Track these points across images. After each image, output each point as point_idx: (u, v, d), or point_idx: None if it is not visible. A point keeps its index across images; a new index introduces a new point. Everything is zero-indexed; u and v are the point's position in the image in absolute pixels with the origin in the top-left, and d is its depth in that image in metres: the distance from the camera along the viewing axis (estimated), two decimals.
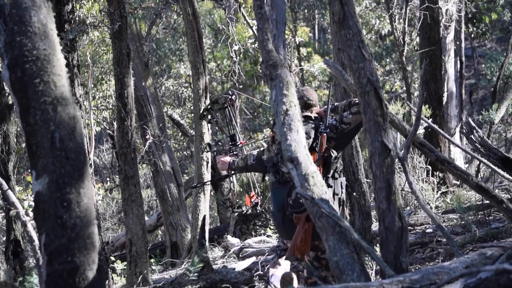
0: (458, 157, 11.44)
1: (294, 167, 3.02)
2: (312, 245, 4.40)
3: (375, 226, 6.50)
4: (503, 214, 4.20)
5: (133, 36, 11.63)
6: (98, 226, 6.27)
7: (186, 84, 18.34)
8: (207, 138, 7.86)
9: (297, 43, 16.17)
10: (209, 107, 5.33)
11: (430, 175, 8.65)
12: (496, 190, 7.52)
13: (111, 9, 6.92)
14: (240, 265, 7.19)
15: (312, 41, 23.83)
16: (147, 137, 10.68)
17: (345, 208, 4.98)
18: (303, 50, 18.58)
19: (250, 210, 5.05)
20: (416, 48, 13.40)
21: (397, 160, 3.10)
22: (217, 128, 5.63)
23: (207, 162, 8.04)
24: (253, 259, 7.56)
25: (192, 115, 13.97)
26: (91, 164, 8.14)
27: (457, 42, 13.39)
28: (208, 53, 18.67)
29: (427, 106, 9.69)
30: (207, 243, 7.08)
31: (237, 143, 5.03)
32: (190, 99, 17.87)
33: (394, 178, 3.00)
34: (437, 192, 8.56)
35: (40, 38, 2.43)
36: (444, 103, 10.90)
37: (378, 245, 3.19)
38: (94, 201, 2.53)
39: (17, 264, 7.94)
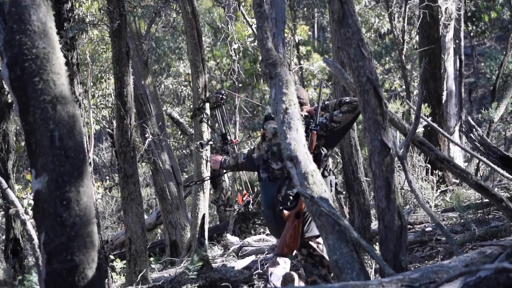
0: (457, 156, 11.44)
1: (294, 166, 3.02)
2: (304, 242, 4.43)
3: (374, 225, 6.51)
4: (503, 213, 4.21)
5: (133, 34, 11.63)
6: (98, 224, 6.27)
7: (186, 83, 18.32)
8: (207, 136, 7.85)
9: (297, 41, 16.16)
10: (200, 106, 5.35)
11: (430, 173, 8.65)
12: (496, 189, 7.52)
13: (111, 7, 6.91)
14: (239, 264, 7.19)
15: (312, 39, 23.82)
16: (146, 135, 10.67)
17: None
18: (303, 49, 18.55)
19: (242, 209, 5.08)
20: (415, 47, 13.40)
21: (396, 158, 3.10)
22: (208, 127, 5.65)
23: (207, 161, 8.04)
24: (253, 257, 7.56)
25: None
26: (90, 162, 8.15)
27: (457, 41, 13.40)
28: (208, 51, 18.66)
29: (426, 104, 9.69)
30: (206, 242, 7.08)
31: (229, 142, 5.06)
32: (190, 98, 17.86)
33: (393, 177, 3.00)
34: (437, 190, 8.57)
35: (40, 36, 2.42)
36: (443, 101, 10.89)
37: (377, 243, 3.19)
38: (94, 200, 2.54)
39: (16, 262, 7.94)
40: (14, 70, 2.41)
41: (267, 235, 9.17)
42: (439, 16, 10.97)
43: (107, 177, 18.39)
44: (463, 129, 6.44)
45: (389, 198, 2.97)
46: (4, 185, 5.48)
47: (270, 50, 3.39)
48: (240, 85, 14.57)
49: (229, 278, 5.72)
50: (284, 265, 4.74)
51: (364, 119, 3.09)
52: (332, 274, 4.42)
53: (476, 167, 10.42)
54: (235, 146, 5.17)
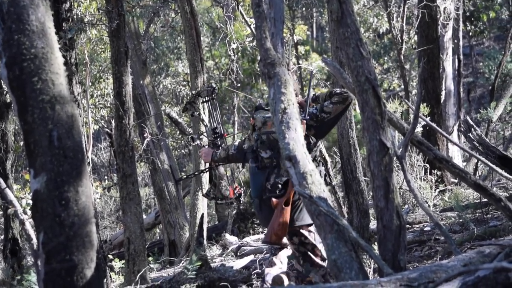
0: (456, 155, 11.45)
1: (292, 166, 3.02)
2: (295, 231, 4.44)
3: (373, 224, 6.51)
4: (501, 212, 4.21)
5: (131, 34, 11.63)
6: (96, 224, 6.27)
7: (184, 83, 18.30)
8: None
9: (295, 41, 16.16)
10: (192, 100, 5.37)
11: (428, 173, 8.65)
12: (494, 188, 7.52)
13: (109, 7, 6.91)
14: (238, 264, 7.19)
15: (310, 39, 23.82)
16: (145, 135, 10.67)
17: None
18: (301, 48, 18.54)
19: (234, 202, 5.10)
20: (414, 47, 13.38)
21: (395, 158, 3.11)
22: (200, 121, 5.66)
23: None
24: (251, 257, 7.56)
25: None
26: (89, 162, 8.13)
27: (455, 40, 13.40)
28: (206, 51, 18.64)
29: (425, 104, 9.69)
30: (205, 242, 7.08)
31: (219, 135, 5.09)
32: (188, 98, 17.83)
33: (392, 176, 3.00)
34: (435, 190, 8.57)
35: (38, 36, 2.42)
36: (442, 101, 10.89)
37: (376, 243, 3.20)
38: (92, 200, 2.54)
39: (15, 262, 7.93)
40: (12, 69, 2.41)
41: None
42: (438, 16, 10.98)
43: (106, 177, 18.38)
44: (462, 129, 6.45)
45: (387, 198, 2.97)
46: (3, 185, 5.49)
47: (268, 50, 3.39)
48: (239, 84, 14.55)
49: (228, 278, 5.72)
50: (280, 265, 4.75)
51: (362, 119, 3.09)
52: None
53: (474, 167, 10.42)
54: (225, 139, 5.20)
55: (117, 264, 8.32)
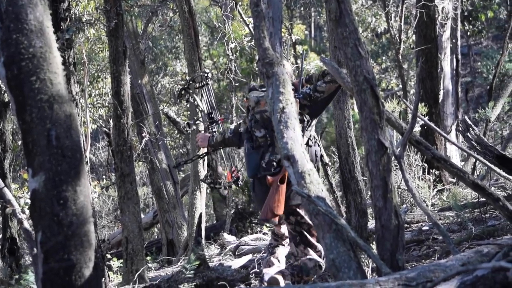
0: (454, 155, 11.45)
1: (291, 165, 3.03)
2: (291, 210, 4.45)
3: (371, 224, 6.51)
4: (499, 212, 4.22)
5: (129, 34, 11.62)
6: (94, 224, 6.26)
7: (182, 82, 18.30)
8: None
9: (293, 41, 16.17)
10: (186, 86, 5.39)
11: (426, 173, 8.65)
12: (492, 188, 7.54)
13: (107, 6, 6.90)
14: (236, 263, 7.19)
15: (309, 39, 23.81)
16: (143, 134, 10.65)
17: None
18: (299, 48, 18.54)
19: (233, 185, 5.12)
20: (412, 46, 13.39)
21: (393, 158, 3.11)
22: (196, 107, 5.67)
23: (203, 160, 8.04)
24: (250, 256, 7.56)
25: (189, 112, 13.95)
26: (87, 161, 8.12)
27: (453, 40, 13.40)
28: (204, 50, 18.62)
29: (423, 104, 9.69)
30: (203, 241, 7.07)
31: (215, 120, 5.11)
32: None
33: (390, 176, 3.00)
34: (433, 189, 8.57)
35: (37, 35, 2.42)
36: (440, 101, 10.90)
37: (374, 242, 3.20)
38: (90, 199, 2.53)
39: (13, 261, 7.93)
40: (11, 69, 2.41)
41: (264, 234, 9.17)
42: (436, 16, 10.98)
43: (104, 176, 18.38)
44: (460, 128, 6.45)
45: (386, 197, 2.97)
46: (1, 184, 5.47)
47: (267, 50, 3.39)
48: (237, 84, 14.55)
49: (226, 277, 5.71)
50: (278, 264, 4.75)
51: (361, 118, 3.10)
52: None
53: (472, 166, 10.43)
54: (221, 124, 5.22)
55: (115, 263, 8.31)
